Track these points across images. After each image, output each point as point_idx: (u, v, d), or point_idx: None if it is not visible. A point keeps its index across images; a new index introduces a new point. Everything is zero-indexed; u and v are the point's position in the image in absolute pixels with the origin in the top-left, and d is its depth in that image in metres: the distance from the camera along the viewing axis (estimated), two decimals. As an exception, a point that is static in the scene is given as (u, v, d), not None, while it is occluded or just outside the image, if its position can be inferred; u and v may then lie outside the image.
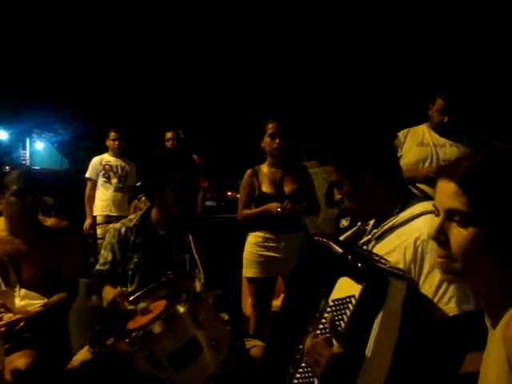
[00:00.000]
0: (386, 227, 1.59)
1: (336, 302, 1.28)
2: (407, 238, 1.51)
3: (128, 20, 20.67)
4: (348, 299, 1.24)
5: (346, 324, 1.24)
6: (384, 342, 1.21)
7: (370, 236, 1.64)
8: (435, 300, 1.42)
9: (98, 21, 19.74)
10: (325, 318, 1.30)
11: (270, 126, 3.43)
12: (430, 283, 1.44)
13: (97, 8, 19.80)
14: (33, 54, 18.13)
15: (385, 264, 1.33)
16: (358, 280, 1.23)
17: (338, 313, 1.26)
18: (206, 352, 1.68)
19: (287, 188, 3.40)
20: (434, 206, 1.11)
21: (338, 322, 1.25)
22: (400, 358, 1.25)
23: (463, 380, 1.26)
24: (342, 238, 1.76)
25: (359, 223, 1.77)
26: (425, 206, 1.57)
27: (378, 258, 1.36)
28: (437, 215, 1.10)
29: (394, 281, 1.23)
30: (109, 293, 2.22)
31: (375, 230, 1.63)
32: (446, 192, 1.06)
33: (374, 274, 1.23)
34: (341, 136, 1.74)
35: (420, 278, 1.46)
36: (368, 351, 1.20)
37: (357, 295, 1.22)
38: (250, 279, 3.41)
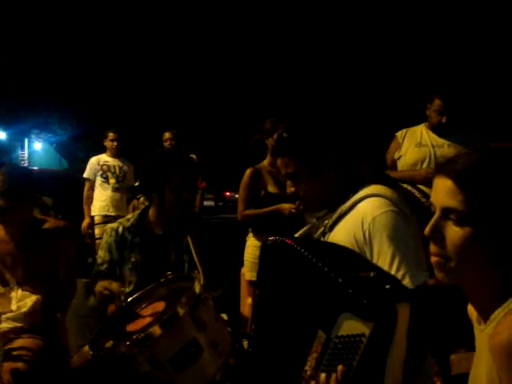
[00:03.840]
0: (334, 217, 1.60)
1: (342, 340, 1.17)
2: (354, 223, 1.53)
3: (127, 20, 20.64)
4: (357, 338, 1.13)
5: (355, 366, 1.14)
6: (396, 367, 1.15)
7: (322, 228, 1.65)
8: (401, 273, 1.44)
9: (97, 21, 19.71)
10: (329, 355, 1.20)
11: (280, 125, 3.41)
12: (382, 264, 1.45)
13: (96, 8, 19.77)
14: (31, 55, 18.10)
15: (382, 279, 1.21)
16: (365, 318, 1.12)
17: (347, 351, 1.16)
18: (206, 354, 1.67)
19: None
20: (430, 202, 1.11)
21: (346, 362, 1.16)
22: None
23: (458, 381, 1.25)
24: (297, 235, 1.74)
25: (314, 219, 1.76)
26: (369, 189, 1.59)
27: (372, 275, 1.21)
28: (433, 212, 1.09)
29: (401, 307, 1.13)
30: (100, 285, 2.21)
31: (327, 221, 1.64)
32: (443, 189, 1.06)
33: (383, 311, 1.12)
34: (301, 127, 1.71)
35: (372, 260, 1.47)
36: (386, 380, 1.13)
37: (367, 334, 1.12)
38: (253, 283, 3.31)
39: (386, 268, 1.42)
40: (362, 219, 1.52)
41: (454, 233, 1.03)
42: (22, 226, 2.43)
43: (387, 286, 1.17)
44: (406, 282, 1.43)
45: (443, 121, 3.49)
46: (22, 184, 2.43)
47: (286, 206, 3.23)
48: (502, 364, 0.96)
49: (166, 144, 5.43)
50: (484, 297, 1.06)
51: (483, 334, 1.07)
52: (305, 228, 1.77)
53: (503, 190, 1.00)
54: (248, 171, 3.47)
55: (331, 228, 1.62)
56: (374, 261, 1.47)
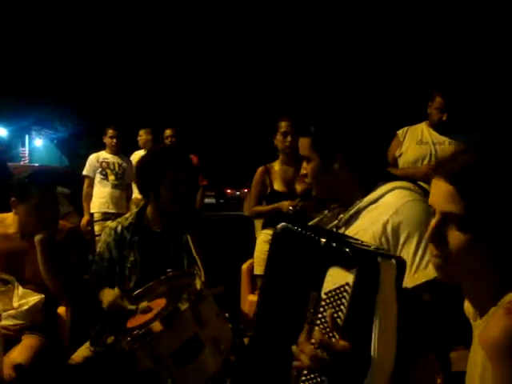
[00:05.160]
0: (351, 212, 1.60)
1: (330, 294, 1.22)
2: (378, 217, 1.52)
3: (127, 18, 20.63)
4: (342, 288, 1.19)
5: (345, 315, 1.18)
6: (388, 323, 1.18)
7: (336, 221, 1.65)
8: (414, 267, 1.43)
9: (98, 19, 19.70)
10: (320, 313, 1.24)
11: (282, 124, 3.47)
12: (406, 252, 1.45)
13: (96, 6, 19.76)
14: (32, 52, 18.09)
15: (368, 246, 1.29)
16: (348, 267, 1.18)
17: (334, 304, 1.21)
18: (207, 350, 1.68)
19: (301, 186, 3.41)
20: (429, 203, 1.10)
21: (336, 314, 1.20)
22: (401, 335, 1.22)
23: (459, 378, 1.25)
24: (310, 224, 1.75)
25: (326, 211, 1.77)
26: (392, 184, 1.59)
27: (360, 242, 1.30)
28: (432, 213, 1.09)
29: (384, 260, 1.18)
30: (108, 295, 2.23)
31: (341, 216, 1.64)
32: (442, 193, 1.05)
33: (365, 258, 1.18)
34: (320, 113, 1.76)
35: (396, 250, 1.47)
36: (374, 337, 1.16)
37: (351, 283, 1.17)
38: (259, 276, 3.44)
39: (410, 256, 1.44)
40: (386, 211, 1.52)
41: (455, 237, 1.03)
42: (36, 232, 2.40)
43: (372, 247, 1.25)
44: (430, 267, 1.41)
45: (444, 118, 3.50)
46: (54, 185, 2.50)
47: (285, 204, 3.30)
48: (493, 359, 0.96)
49: (167, 141, 5.45)
50: (481, 296, 1.07)
51: (476, 330, 1.08)
52: (315, 220, 1.78)
53: (504, 194, 0.99)
54: (259, 169, 3.55)
55: (347, 222, 1.62)
56: (399, 248, 1.47)
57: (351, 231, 1.58)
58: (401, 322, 1.22)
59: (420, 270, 1.43)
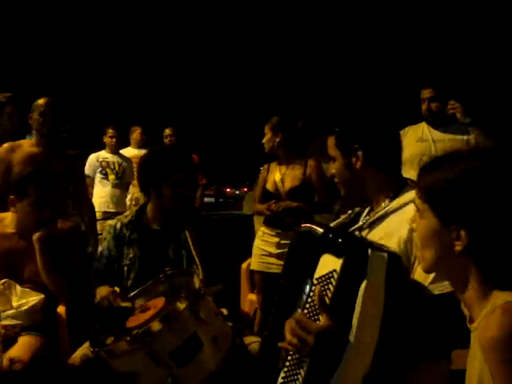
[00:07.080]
0: (378, 214, 1.60)
1: (319, 280, 1.27)
2: (402, 224, 1.51)
3: (126, 17, 20.63)
4: (330, 274, 1.23)
5: (330, 299, 1.22)
6: (370, 313, 1.20)
7: (361, 223, 1.65)
8: (430, 278, 1.41)
9: (97, 18, 19.69)
10: (310, 297, 1.28)
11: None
12: None
13: (95, 6, 19.76)
14: (30, 53, 18.09)
15: (366, 240, 1.34)
16: (338, 254, 1.23)
17: (322, 289, 1.25)
18: (206, 348, 1.68)
19: (286, 185, 3.39)
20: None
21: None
22: (388, 332, 1.24)
23: (456, 377, 1.25)
24: (332, 225, 1.76)
25: (349, 211, 1.78)
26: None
27: (360, 236, 1.37)
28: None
29: (374, 251, 1.22)
30: (102, 291, 2.21)
31: (367, 217, 1.65)
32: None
33: (354, 246, 1.24)
34: (346, 115, 1.80)
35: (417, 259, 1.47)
36: (354, 323, 1.18)
37: (338, 269, 1.22)
38: (252, 271, 3.56)
39: None
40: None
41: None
42: (35, 231, 2.39)
43: (368, 241, 1.29)
44: (447, 283, 1.42)
45: (433, 108, 3.56)
46: (56, 198, 2.47)
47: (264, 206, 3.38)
48: (493, 360, 0.97)
49: (166, 140, 5.47)
50: (473, 301, 1.09)
51: (473, 333, 1.09)
52: (338, 220, 1.78)
53: (480, 209, 1.05)
54: (263, 167, 3.61)
55: (371, 225, 1.62)
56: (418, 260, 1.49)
57: (375, 234, 1.59)
58: (401, 320, 1.24)
59: (437, 282, 1.40)
